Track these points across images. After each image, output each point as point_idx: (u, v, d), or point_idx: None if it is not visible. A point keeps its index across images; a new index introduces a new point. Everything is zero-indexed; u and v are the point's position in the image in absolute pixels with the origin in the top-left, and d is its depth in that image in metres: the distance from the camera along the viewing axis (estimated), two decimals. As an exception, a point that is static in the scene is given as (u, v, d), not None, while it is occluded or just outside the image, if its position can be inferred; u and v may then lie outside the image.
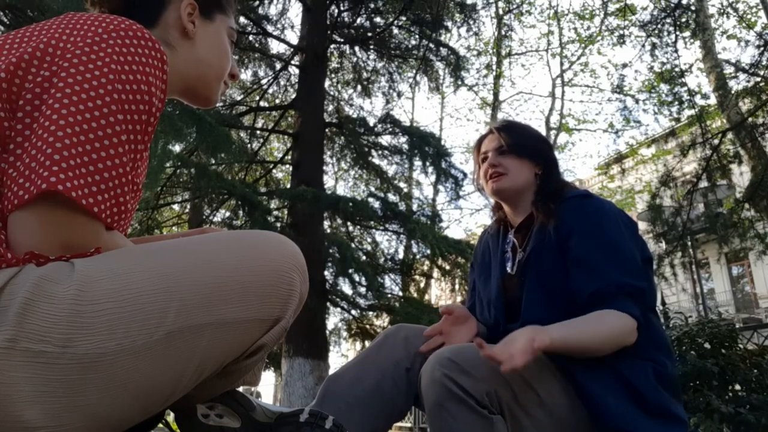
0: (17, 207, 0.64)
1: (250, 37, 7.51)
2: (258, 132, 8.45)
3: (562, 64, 15.18)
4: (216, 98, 0.99)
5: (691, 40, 7.81)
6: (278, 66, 8.13)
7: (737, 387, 3.39)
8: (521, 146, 1.41)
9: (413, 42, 8.07)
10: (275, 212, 6.59)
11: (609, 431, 1.08)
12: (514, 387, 1.07)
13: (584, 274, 1.19)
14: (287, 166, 8.32)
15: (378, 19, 7.94)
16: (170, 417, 0.95)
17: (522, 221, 1.39)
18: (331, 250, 6.00)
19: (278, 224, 6.18)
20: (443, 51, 7.99)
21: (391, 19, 7.66)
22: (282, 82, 8.46)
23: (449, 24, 8.05)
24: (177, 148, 5.76)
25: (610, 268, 1.18)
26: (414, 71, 8.47)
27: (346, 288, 6.43)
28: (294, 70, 7.90)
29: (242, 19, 6.86)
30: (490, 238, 1.50)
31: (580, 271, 1.20)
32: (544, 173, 1.40)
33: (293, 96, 7.73)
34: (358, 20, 7.83)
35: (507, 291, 1.35)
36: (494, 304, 1.35)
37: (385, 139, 7.80)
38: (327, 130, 7.30)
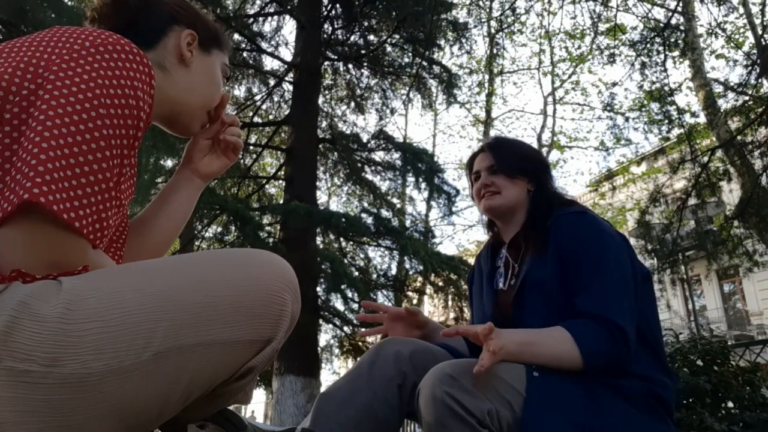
0: (2, 222, 0.63)
1: (244, 54, 7.55)
2: (251, 147, 8.45)
3: (553, 82, 15.30)
4: (195, 129, 1.02)
5: (681, 60, 7.92)
6: (272, 82, 8.18)
7: (730, 404, 3.37)
8: (512, 166, 1.44)
9: (406, 60, 8.15)
10: (267, 228, 6.58)
11: None
12: (515, 406, 1.06)
13: (587, 296, 1.19)
14: (280, 181, 8.32)
15: (371, 37, 8.02)
16: (158, 437, 0.93)
17: (514, 236, 1.41)
18: (323, 266, 5.97)
19: (270, 240, 6.15)
20: (436, 69, 8.08)
21: (384, 37, 7.73)
22: (275, 98, 8.52)
23: (442, 42, 8.15)
24: (169, 163, 5.74)
25: (610, 296, 1.17)
26: (407, 88, 8.53)
27: (338, 304, 6.42)
28: (288, 87, 7.95)
29: (237, 36, 6.89)
30: (482, 258, 1.53)
31: (584, 291, 1.19)
32: (536, 190, 1.43)
33: (287, 112, 7.76)
34: (352, 38, 7.90)
35: (500, 306, 1.37)
36: (489, 320, 1.35)
37: (379, 155, 7.86)
38: (320, 145, 7.32)
